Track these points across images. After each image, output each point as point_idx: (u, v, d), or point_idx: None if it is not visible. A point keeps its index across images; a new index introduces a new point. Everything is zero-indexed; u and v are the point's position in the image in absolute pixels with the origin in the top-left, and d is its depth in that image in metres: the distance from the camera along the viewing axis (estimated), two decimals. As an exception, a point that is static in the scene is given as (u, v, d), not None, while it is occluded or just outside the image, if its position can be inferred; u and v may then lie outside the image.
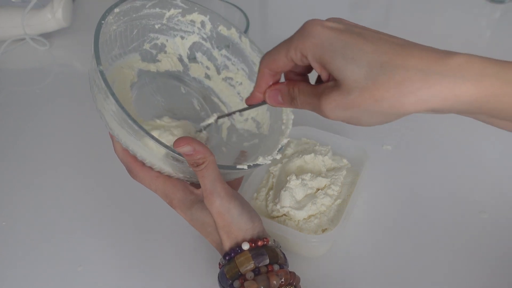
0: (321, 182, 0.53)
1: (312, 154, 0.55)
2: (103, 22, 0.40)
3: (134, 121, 0.35)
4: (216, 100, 0.53)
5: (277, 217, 0.50)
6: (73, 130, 0.70)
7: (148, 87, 0.49)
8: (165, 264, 0.51)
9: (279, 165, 0.56)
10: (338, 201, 0.51)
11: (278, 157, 0.43)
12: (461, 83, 0.26)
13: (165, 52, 0.50)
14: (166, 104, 0.50)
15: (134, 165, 0.41)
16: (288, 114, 0.47)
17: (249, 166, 0.40)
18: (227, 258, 0.39)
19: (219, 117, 0.47)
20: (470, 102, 0.26)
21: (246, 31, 0.71)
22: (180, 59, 0.52)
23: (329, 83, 0.30)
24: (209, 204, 0.38)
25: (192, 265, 0.51)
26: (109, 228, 0.55)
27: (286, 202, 0.50)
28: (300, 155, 0.55)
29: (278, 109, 0.48)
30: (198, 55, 0.52)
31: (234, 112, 0.44)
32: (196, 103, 0.52)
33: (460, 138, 0.66)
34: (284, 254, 0.41)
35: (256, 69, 0.50)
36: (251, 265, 0.38)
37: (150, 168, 0.41)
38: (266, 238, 0.40)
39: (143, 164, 0.41)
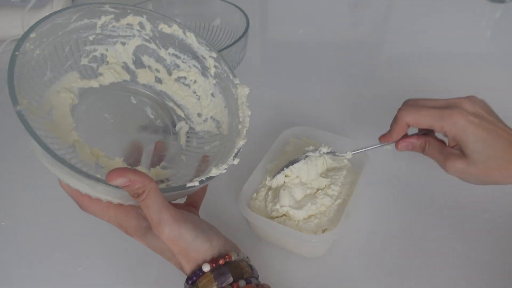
0: (321, 182, 0.52)
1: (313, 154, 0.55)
2: (17, 53, 0.35)
3: (63, 162, 0.32)
4: (171, 104, 0.50)
5: (277, 217, 0.50)
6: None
7: (93, 106, 0.45)
8: (165, 264, 0.51)
9: (277, 162, 0.56)
10: (338, 201, 0.51)
11: (236, 162, 0.40)
12: None
13: (107, 63, 0.47)
14: (116, 120, 0.47)
15: (82, 198, 0.38)
16: (244, 110, 0.44)
17: (201, 182, 0.37)
18: (189, 282, 0.38)
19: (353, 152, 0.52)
20: None
21: (246, 31, 0.71)
22: (126, 67, 0.48)
23: (454, 151, 0.44)
24: (159, 233, 0.36)
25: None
26: (109, 228, 0.55)
27: (286, 201, 0.50)
28: (300, 155, 0.55)
29: (235, 105, 0.45)
30: (145, 58, 0.48)
31: (365, 149, 0.51)
32: (150, 111, 0.49)
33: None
34: (251, 266, 0.40)
35: (207, 63, 0.48)
36: (214, 287, 0.37)
37: (99, 199, 0.38)
38: (227, 255, 0.38)
39: (90, 196, 0.38)
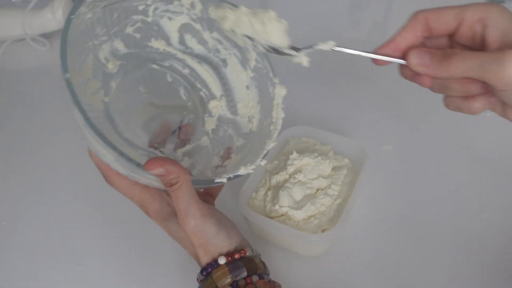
0: (322, 182, 0.52)
1: (315, 154, 0.54)
2: (72, 17, 0.35)
3: (104, 139, 0.32)
4: (204, 90, 0.49)
5: (276, 217, 0.50)
6: (73, 130, 0.69)
7: (131, 76, 0.45)
8: (165, 264, 0.51)
9: (276, 162, 0.56)
10: (338, 200, 0.51)
11: (263, 163, 0.41)
12: None
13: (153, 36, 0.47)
14: (149, 95, 0.47)
15: (110, 173, 0.39)
16: (278, 112, 0.43)
17: (228, 179, 0.38)
18: (204, 273, 0.38)
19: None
20: None
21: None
22: (168, 43, 0.48)
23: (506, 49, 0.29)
24: (184, 224, 0.37)
25: (192, 265, 0.50)
26: (109, 228, 0.55)
27: (285, 201, 0.50)
28: (300, 155, 0.55)
29: (269, 104, 0.45)
30: (187, 37, 0.48)
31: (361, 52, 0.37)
32: (183, 92, 0.49)
33: (460, 138, 0.65)
34: (263, 263, 0.41)
35: (249, 56, 0.47)
36: (228, 279, 0.37)
37: (126, 177, 0.38)
38: (243, 250, 0.39)
39: (118, 172, 0.38)
